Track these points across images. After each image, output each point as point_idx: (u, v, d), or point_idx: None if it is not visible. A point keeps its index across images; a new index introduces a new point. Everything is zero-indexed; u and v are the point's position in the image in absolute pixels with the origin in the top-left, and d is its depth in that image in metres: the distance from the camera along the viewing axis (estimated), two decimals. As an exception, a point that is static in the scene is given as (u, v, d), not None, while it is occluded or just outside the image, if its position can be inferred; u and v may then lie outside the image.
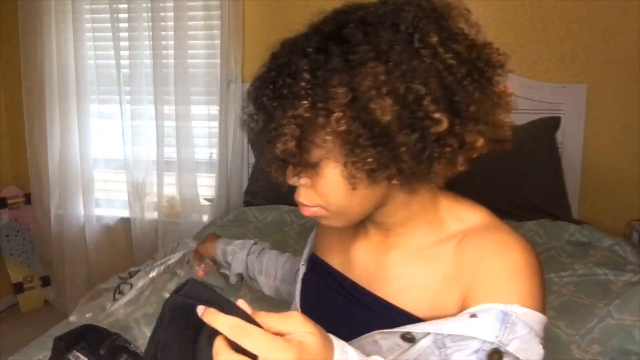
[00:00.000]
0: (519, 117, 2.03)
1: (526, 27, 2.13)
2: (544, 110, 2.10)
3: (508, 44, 2.16)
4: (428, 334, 0.60)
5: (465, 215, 0.68)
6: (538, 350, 0.57)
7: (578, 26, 2.09)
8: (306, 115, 0.56)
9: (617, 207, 2.12)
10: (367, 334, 0.65)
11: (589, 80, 2.10)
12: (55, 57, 2.51)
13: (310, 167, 0.61)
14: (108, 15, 2.43)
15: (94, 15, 2.49)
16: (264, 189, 2.18)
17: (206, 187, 2.51)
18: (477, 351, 0.56)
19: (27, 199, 2.74)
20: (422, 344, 0.60)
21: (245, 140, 2.44)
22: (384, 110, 0.55)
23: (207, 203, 2.49)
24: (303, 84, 0.56)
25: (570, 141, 2.12)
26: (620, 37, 2.06)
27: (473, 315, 0.57)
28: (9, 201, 2.73)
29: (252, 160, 2.43)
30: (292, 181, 0.64)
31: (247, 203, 2.25)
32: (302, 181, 0.64)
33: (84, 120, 2.54)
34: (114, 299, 1.33)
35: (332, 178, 0.60)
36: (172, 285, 1.31)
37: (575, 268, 1.58)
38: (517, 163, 1.94)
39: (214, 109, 2.40)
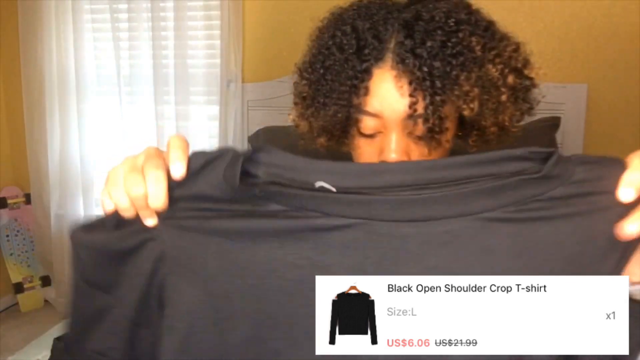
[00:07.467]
0: (519, 117, 2.04)
1: (526, 27, 2.13)
2: (544, 110, 2.09)
3: (508, 44, 2.15)
4: None
5: None
6: None
7: (578, 26, 2.09)
8: (493, 75, 0.64)
9: (617, 207, 2.12)
10: None
11: (589, 80, 2.10)
12: (55, 57, 2.50)
13: (444, 137, 0.66)
14: (108, 15, 2.42)
15: (94, 15, 2.49)
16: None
17: (206, 187, 2.51)
18: None
19: (27, 199, 2.74)
20: None
21: (245, 140, 2.44)
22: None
23: (207, 203, 2.48)
24: (479, 47, 0.64)
25: (570, 141, 2.12)
26: (620, 37, 2.06)
27: None
28: (9, 201, 2.72)
29: (252, 160, 2.42)
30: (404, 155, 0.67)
31: (247, 203, 2.24)
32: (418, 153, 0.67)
33: (84, 120, 2.53)
34: None
35: (445, 145, 0.67)
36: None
37: (575, 268, 1.57)
38: (517, 163, 1.94)
39: (214, 109, 2.40)
